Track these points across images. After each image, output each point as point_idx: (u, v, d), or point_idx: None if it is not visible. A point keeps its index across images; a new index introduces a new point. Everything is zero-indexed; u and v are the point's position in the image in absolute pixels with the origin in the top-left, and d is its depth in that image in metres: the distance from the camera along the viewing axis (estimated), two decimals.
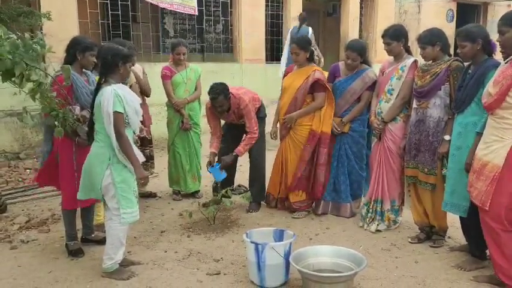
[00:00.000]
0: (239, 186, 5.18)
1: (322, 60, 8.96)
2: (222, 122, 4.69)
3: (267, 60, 9.71)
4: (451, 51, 3.99)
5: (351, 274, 2.84)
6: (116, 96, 2.92)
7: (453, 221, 3.69)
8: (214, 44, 9.42)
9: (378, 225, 3.99)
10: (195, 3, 8.42)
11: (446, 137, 3.36)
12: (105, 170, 2.99)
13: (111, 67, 3.03)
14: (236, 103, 4.34)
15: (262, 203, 4.68)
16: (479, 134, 3.00)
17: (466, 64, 3.33)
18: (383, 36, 3.87)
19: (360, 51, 4.12)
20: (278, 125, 4.51)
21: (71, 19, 7.15)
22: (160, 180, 5.55)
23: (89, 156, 3.07)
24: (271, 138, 4.63)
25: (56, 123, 3.07)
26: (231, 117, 4.47)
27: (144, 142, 4.80)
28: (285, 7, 9.89)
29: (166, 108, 5.06)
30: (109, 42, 5.56)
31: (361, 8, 11.01)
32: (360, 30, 11.22)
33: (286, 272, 3.06)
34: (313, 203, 4.50)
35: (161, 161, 5.73)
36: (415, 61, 3.79)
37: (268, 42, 9.88)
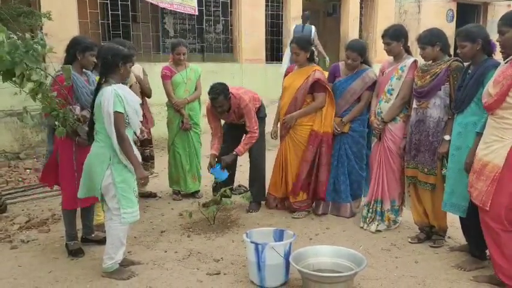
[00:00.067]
0: (239, 186, 5.18)
1: (328, 59, 8.99)
2: (222, 122, 4.69)
3: (267, 60, 9.71)
4: (451, 51, 3.99)
5: (351, 274, 2.84)
6: (116, 96, 2.92)
7: (453, 221, 3.69)
8: (214, 44, 9.42)
9: (378, 225, 3.99)
10: (195, 3, 8.41)
11: (446, 137, 3.36)
12: (105, 170, 2.99)
13: (112, 67, 3.04)
14: (236, 103, 4.35)
15: (262, 203, 4.68)
16: (479, 134, 3.00)
17: (466, 64, 3.34)
18: (383, 36, 3.87)
19: (360, 51, 4.12)
20: (279, 124, 4.51)
21: (71, 19, 7.15)
22: (160, 180, 5.55)
23: (89, 156, 3.07)
24: (272, 138, 4.63)
25: (57, 123, 3.08)
26: (231, 117, 4.47)
27: (144, 142, 4.81)
28: (285, 7, 9.89)
29: (166, 108, 5.07)
30: (109, 42, 5.56)
31: (361, 8, 11.01)
32: (360, 30, 11.22)
33: (286, 272, 3.06)
34: (313, 203, 4.50)
35: (161, 161, 5.73)
36: (415, 61, 3.79)
37: (268, 42, 9.88)
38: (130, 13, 8.11)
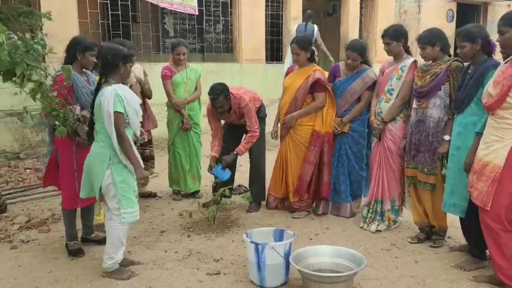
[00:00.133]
0: (239, 186, 5.18)
1: (332, 58, 9.01)
2: (222, 122, 4.69)
3: (267, 60, 9.71)
4: (451, 51, 3.99)
5: (351, 274, 2.84)
6: (116, 96, 2.92)
7: (453, 221, 3.69)
8: (214, 44, 9.42)
9: (378, 225, 3.99)
10: (195, 3, 8.42)
11: (446, 137, 3.36)
12: (105, 170, 2.99)
13: (112, 67, 3.04)
14: (237, 103, 4.35)
15: (262, 203, 4.68)
16: (479, 134, 3.00)
17: (466, 64, 3.34)
18: (383, 36, 3.87)
19: (360, 51, 4.12)
20: (279, 125, 4.51)
21: (71, 19, 7.15)
22: (160, 180, 5.55)
23: (89, 156, 3.07)
24: (272, 138, 4.63)
25: (57, 122, 3.08)
26: (232, 117, 4.47)
27: (144, 142, 4.81)
28: (285, 7, 9.89)
29: (166, 108, 5.07)
30: (109, 42, 5.56)
31: (361, 8, 11.01)
32: (360, 30, 11.23)
33: (286, 272, 3.06)
34: (313, 203, 4.50)
35: (161, 161, 5.73)
36: (415, 61, 3.79)
37: (268, 42, 9.88)
38: (130, 13, 8.11)
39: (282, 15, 9.97)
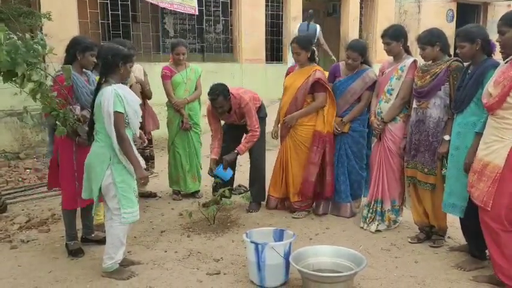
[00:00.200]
0: (239, 186, 5.18)
1: (334, 57, 9.02)
2: (222, 122, 4.68)
3: (267, 60, 9.71)
4: (451, 51, 3.99)
5: (351, 274, 2.84)
6: (116, 96, 2.92)
7: (453, 221, 3.69)
8: (214, 44, 9.42)
9: (378, 225, 3.99)
10: (195, 3, 8.42)
11: (446, 137, 3.36)
12: (105, 170, 2.99)
13: (112, 67, 3.04)
14: (237, 103, 4.35)
15: (262, 202, 4.68)
16: (479, 134, 3.00)
17: (465, 64, 3.34)
18: (382, 36, 3.87)
19: (360, 51, 4.12)
20: (279, 124, 4.51)
21: (71, 19, 7.15)
22: (160, 180, 5.55)
23: (89, 156, 3.07)
24: (272, 138, 4.63)
25: (57, 123, 3.08)
26: (232, 117, 4.47)
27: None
28: (285, 7, 9.90)
29: (166, 108, 5.07)
30: (109, 42, 5.56)
31: (361, 8, 11.01)
32: (360, 30, 11.23)
33: (286, 272, 3.06)
34: (314, 203, 4.50)
35: (161, 161, 5.73)
36: (415, 61, 3.79)
37: (268, 42, 9.88)
38: (130, 13, 8.11)
39: (282, 15, 9.97)
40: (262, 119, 4.58)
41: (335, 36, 10.97)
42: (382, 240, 3.82)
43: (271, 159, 4.71)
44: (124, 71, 3.10)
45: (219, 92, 4.19)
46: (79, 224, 3.66)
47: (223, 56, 9.40)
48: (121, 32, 7.86)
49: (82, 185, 3.16)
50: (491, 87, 2.84)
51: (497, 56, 3.06)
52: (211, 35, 9.49)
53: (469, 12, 13.20)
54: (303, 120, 4.29)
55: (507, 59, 2.85)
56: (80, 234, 3.68)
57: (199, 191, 5.08)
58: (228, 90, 4.28)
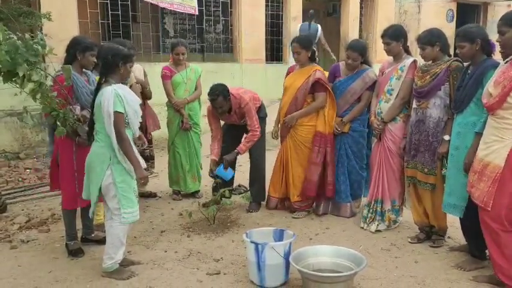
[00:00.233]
0: (239, 186, 5.18)
1: (335, 58, 9.03)
2: (222, 123, 4.68)
3: (267, 60, 9.71)
4: (451, 51, 3.99)
5: (351, 274, 2.84)
6: (116, 96, 2.92)
7: (453, 221, 3.69)
8: (214, 44, 9.42)
9: (378, 225, 3.99)
10: (195, 3, 8.42)
11: (446, 137, 3.36)
12: (105, 170, 2.99)
13: (112, 67, 3.04)
14: (237, 103, 4.35)
15: (262, 202, 4.68)
16: (478, 134, 3.01)
17: (465, 64, 3.34)
18: (382, 36, 3.87)
19: (361, 51, 4.12)
20: (279, 124, 4.51)
21: (71, 19, 7.15)
22: (160, 180, 5.55)
23: (89, 156, 3.07)
24: (272, 138, 4.63)
25: (57, 123, 3.08)
26: (232, 117, 4.47)
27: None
28: (285, 7, 9.90)
29: (166, 108, 5.07)
30: (109, 42, 5.56)
31: (361, 8, 11.01)
32: (360, 30, 11.23)
33: (286, 272, 3.06)
34: (314, 203, 4.50)
35: (161, 161, 5.73)
36: (414, 61, 3.79)
37: (268, 42, 9.88)
38: (130, 13, 8.12)
39: (282, 15, 9.97)
40: (262, 119, 4.58)
41: (335, 36, 10.97)
42: (382, 240, 3.82)
43: (271, 159, 4.71)
44: (124, 71, 3.10)
45: (219, 92, 4.19)
46: (79, 224, 3.66)
47: (223, 56, 9.40)
48: (121, 32, 7.87)
49: (82, 185, 3.17)
50: (491, 87, 2.84)
51: (497, 56, 3.06)
52: (211, 35, 9.49)
53: (469, 12, 13.21)
54: (303, 120, 4.29)
55: (507, 59, 2.84)
56: (80, 234, 3.68)
57: (199, 191, 5.08)
58: (228, 90, 4.28)
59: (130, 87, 4.13)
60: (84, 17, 7.52)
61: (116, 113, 2.92)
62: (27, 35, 2.89)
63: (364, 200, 4.41)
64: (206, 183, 5.23)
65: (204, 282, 3.09)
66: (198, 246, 3.69)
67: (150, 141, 4.97)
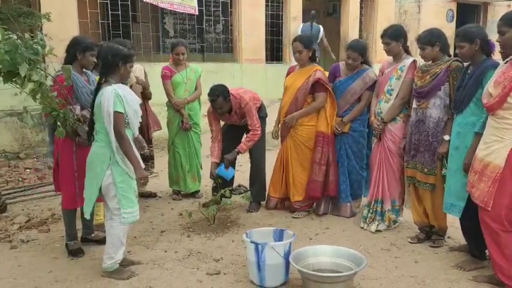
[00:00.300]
0: (239, 186, 5.18)
1: (334, 56, 9.03)
2: (222, 123, 4.68)
3: (267, 60, 9.71)
4: (451, 51, 3.99)
5: (351, 274, 2.84)
6: (116, 96, 2.93)
7: (453, 221, 3.69)
8: (214, 44, 9.43)
9: (378, 225, 3.99)
10: (195, 3, 8.42)
11: (446, 137, 3.36)
12: (105, 170, 2.99)
13: (112, 67, 3.04)
14: (237, 103, 4.35)
15: (262, 202, 4.68)
16: (478, 134, 3.01)
17: (465, 64, 3.34)
18: (382, 36, 3.87)
19: (361, 51, 4.12)
20: (279, 125, 4.51)
21: (71, 19, 7.16)
22: (160, 180, 5.56)
23: (89, 156, 3.07)
24: (273, 138, 4.63)
25: (58, 123, 3.08)
26: (233, 118, 4.47)
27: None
28: (285, 7, 9.90)
29: (166, 108, 5.07)
30: (109, 42, 5.56)
31: (361, 8, 11.01)
32: (360, 30, 11.23)
33: (286, 272, 3.06)
34: (314, 203, 4.50)
35: (161, 161, 5.74)
36: (414, 61, 3.79)
37: (268, 42, 9.88)
38: (130, 13, 8.12)
39: (282, 15, 9.97)
40: (262, 118, 4.58)
41: (335, 36, 10.97)
42: (382, 240, 3.83)
43: (271, 159, 4.71)
44: (124, 71, 3.10)
45: (219, 93, 4.19)
46: (79, 224, 3.66)
47: (223, 56, 9.40)
48: (121, 32, 7.87)
49: (82, 185, 3.17)
50: (491, 88, 2.84)
51: (497, 56, 3.06)
52: (211, 35, 9.49)
53: (469, 12, 13.21)
54: (303, 120, 4.29)
55: (507, 59, 2.84)
56: (80, 234, 3.68)
57: (199, 191, 5.08)
58: (228, 91, 4.28)
59: (131, 87, 4.13)
60: (84, 17, 7.52)
61: (116, 113, 2.92)
62: (27, 35, 2.89)
63: (364, 200, 4.41)
64: (206, 183, 5.23)
65: (204, 282, 3.09)
66: (198, 246, 3.69)
67: (150, 141, 4.97)
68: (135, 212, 3.09)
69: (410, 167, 3.67)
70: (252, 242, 3.00)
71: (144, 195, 4.83)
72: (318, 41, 9.24)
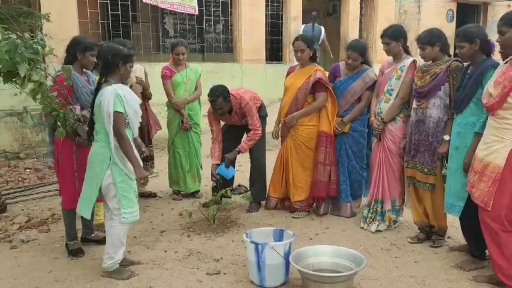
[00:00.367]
0: (239, 186, 5.18)
1: (332, 56, 9.03)
2: (222, 123, 4.68)
3: (267, 60, 9.72)
4: (451, 51, 3.99)
5: (351, 274, 2.84)
6: (116, 96, 2.93)
7: (453, 221, 3.69)
8: (214, 44, 9.43)
9: (378, 225, 3.99)
10: (195, 3, 8.42)
11: (446, 137, 3.36)
12: (105, 170, 2.99)
13: (112, 67, 3.04)
14: (237, 103, 4.35)
15: (262, 202, 4.68)
16: (478, 134, 3.01)
17: (465, 64, 3.34)
18: (382, 36, 3.87)
19: (361, 51, 4.12)
20: (280, 125, 4.51)
21: (71, 19, 7.16)
22: (160, 180, 5.56)
23: (89, 156, 3.07)
24: (273, 138, 4.62)
25: (58, 123, 3.08)
26: (233, 118, 4.47)
27: (145, 142, 4.80)
28: (285, 7, 9.90)
29: (166, 108, 5.07)
30: (108, 41, 5.56)
31: (361, 8, 11.02)
32: (360, 30, 11.23)
33: (286, 272, 3.06)
34: (314, 203, 4.50)
35: (161, 161, 5.74)
36: (414, 61, 3.79)
37: (268, 42, 9.88)
38: (130, 13, 8.12)
39: (282, 15, 9.97)
40: (262, 118, 4.57)
41: (335, 36, 10.98)
42: (382, 240, 3.83)
43: (271, 159, 4.71)
44: (124, 71, 3.10)
45: (219, 94, 4.19)
46: (79, 224, 3.66)
47: (223, 56, 9.40)
48: (121, 32, 7.87)
49: (82, 185, 3.17)
50: (491, 88, 2.84)
51: (497, 56, 3.06)
52: (211, 35, 9.49)
53: (469, 12, 13.21)
54: (304, 120, 4.29)
55: (507, 59, 2.84)
56: (80, 234, 3.68)
57: (199, 191, 5.08)
58: (228, 91, 4.28)
59: (131, 87, 4.13)
60: (84, 17, 7.52)
61: (116, 113, 2.92)
62: (26, 35, 2.89)
63: (364, 200, 4.41)
64: (206, 183, 5.23)
65: (204, 282, 3.09)
66: (198, 246, 3.69)
67: (150, 141, 4.97)
68: (135, 212, 3.09)
69: (410, 167, 3.67)
70: (252, 242, 3.00)
71: (144, 195, 4.83)
72: (320, 42, 9.25)
